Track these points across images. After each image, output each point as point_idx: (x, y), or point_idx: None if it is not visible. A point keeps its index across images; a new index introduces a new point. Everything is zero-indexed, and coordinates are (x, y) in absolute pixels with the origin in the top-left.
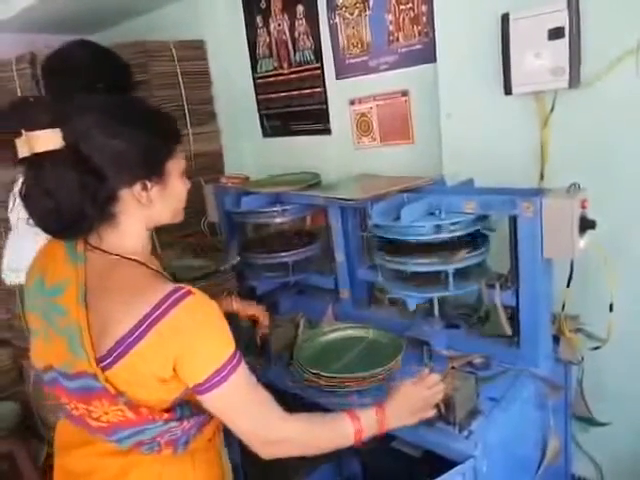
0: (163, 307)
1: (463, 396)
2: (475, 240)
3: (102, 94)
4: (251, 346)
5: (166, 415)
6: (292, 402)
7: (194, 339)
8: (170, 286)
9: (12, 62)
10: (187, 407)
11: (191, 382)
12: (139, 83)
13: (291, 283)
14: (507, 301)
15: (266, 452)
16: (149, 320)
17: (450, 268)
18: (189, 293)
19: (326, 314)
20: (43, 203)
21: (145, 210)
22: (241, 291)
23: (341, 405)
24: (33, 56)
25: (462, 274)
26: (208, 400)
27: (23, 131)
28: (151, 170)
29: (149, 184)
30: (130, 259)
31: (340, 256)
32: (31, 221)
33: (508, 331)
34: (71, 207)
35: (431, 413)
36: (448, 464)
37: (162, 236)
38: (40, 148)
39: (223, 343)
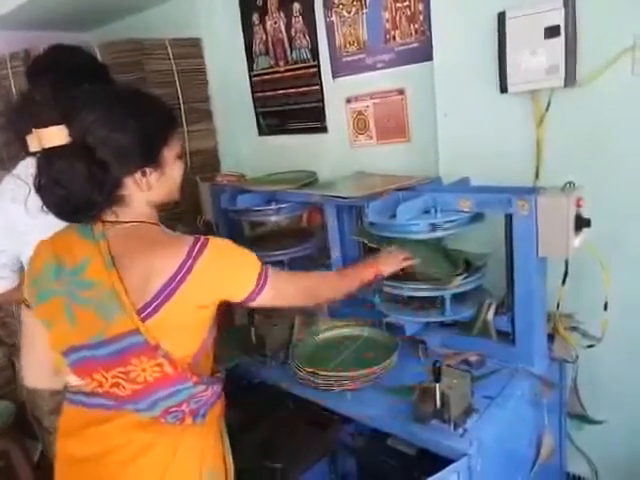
0: (194, 253)
1: (458, 394)
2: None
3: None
4: (247, 345)
5: (195, 377)
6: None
7: (228, 271)
8: (192, 237)
9: (6, 59)
10: (207, 378)
11: (239, 299)
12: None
13: None
14: (502, 326)
15: (309, 305)
16: (186, 266)
17: (447, 294)
18: (208, 239)
19: (322, 312)
20: (56, 192)
21: (145, 192)
22: None
23: (336, 403)
24: (27, 53)
25: (459, 296)
26: (257, 305)
27: (32, 129)
28: (150, 158)
29: (148, 171)
30: (147, 222)
31: (336, 254)
32: (45, 208)
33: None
34: (81, 195)
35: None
36: (443, 462)
37: None
38: (48, 143)
39: (251, 266)
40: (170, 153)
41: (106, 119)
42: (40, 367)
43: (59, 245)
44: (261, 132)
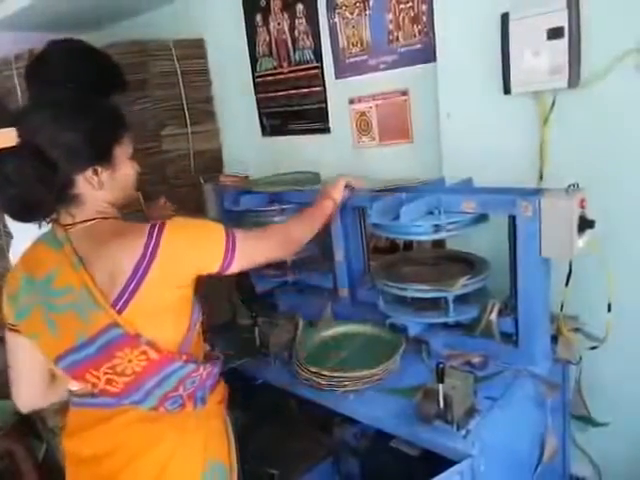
0: (155, 234)
1: (461, 395)
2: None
3: (76, 93)
4: (250, 345)
5: (184, 356)
6: (291, 401)
7: (193, 244)
8: (148, 223)
9: (11, 60)
10: (199, 358)
11: (213, 270)
12: (128, 83)
13: (290, 282)
14: (506, 328)
15: (287, 254)
16: (150, 248)
17: (450, 295)
18: (164, 222)
19: (325, 313)
20: (7, 192)
21: (98, 191)
22: (240, 290)
23: (339, 404)
24: (32, 54)
25: (462, 298)
26: (234, 269)
27: None
28: (100, 156)
29: (99, 169)
30: (106, 217)
31: (339, 255)
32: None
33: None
34: (31, 194)
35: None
36: (446, 463)
37: None
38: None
39: (215, 233)
40: (122, 152)
41: (54, 119)
42: (30, 387)
43: (28, 259)
44: (264, 133)
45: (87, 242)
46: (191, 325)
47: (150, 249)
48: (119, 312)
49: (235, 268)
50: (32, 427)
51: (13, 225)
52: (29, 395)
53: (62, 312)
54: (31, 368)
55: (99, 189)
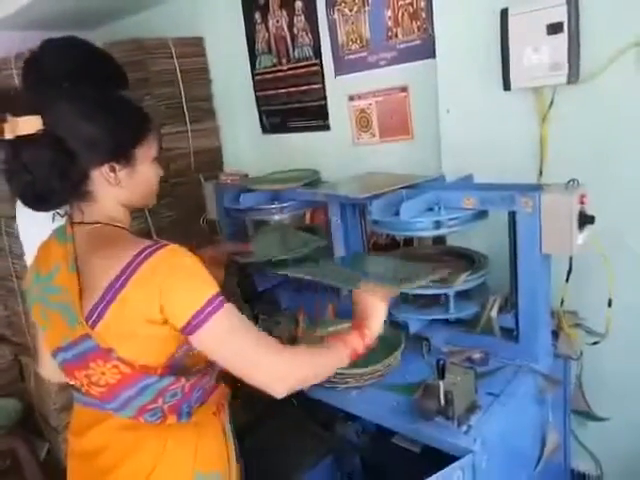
0: (141, 257)
1: (462, 391)
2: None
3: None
4: None
5: (160, 370)
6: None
7: (172, 282)
8: (149, 241)
9: (11, 60)
10: (184, 368)
11: (178, 323)
12: (130, 83)
13: (290, 280)
14: (506, 324)
15: (274, 390)
16: (130, 269)
17: (451, 291)
18: (165, 245)
19: (326, 311)
20: (22, 178)
21: (115, 189)
22: (242, 287)
23: (341, 401)
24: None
25: (463, 294)
26: (197, 340)
27: (8, 116)
28: (119, 154)
29: (117, 167)
30: (111, 225)
31: (340, 252)
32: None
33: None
34: (45, 181)
35: (384, 307)
36: (447, 459)
37: (162, 236)
38: (22, 131)
39: (202, 286)
40: (143, 153)
41: (79, 112)
42: (50, 362)
43: (40, 253)
44: (264, 130)
45: (85, 245)
46: (183, 346)
47: (129, 271)
48: (92, 326)
49: (199, 341)
50: (35, 426)
51: (23, 230)
52: (48, 371)
53: (53, 310)
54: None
55: (115, 185)
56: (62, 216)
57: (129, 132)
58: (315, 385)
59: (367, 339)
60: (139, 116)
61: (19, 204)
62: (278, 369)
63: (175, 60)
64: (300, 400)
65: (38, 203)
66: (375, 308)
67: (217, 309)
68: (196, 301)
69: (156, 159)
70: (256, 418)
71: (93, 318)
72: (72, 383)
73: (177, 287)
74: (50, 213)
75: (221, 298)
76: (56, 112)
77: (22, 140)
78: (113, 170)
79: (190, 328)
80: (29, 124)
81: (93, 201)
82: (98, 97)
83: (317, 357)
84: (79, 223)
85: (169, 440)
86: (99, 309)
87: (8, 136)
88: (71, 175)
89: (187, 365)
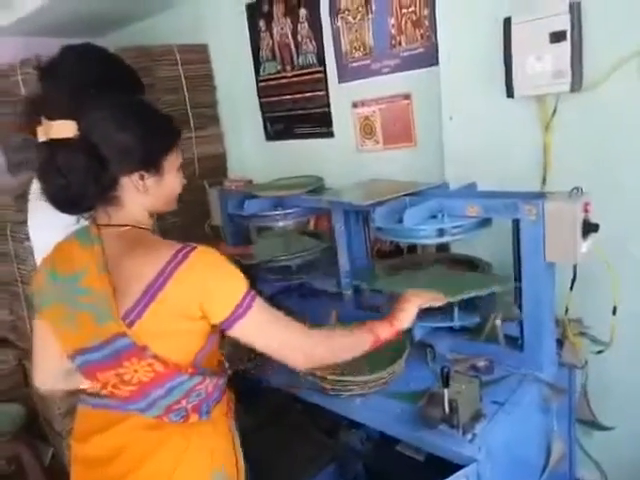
0: (178, 257)
1: (467, 399)
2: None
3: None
4: (255, 350)
5: (190, 369)
6: (296, 405)
7: (210, 280)
8: (180, 243)
9: (17, 66)
10: (207, 369)
11: (217, 319)
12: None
13: (294, 286)
14: (511, 332)
15: (300, 364)
16: (168, 269)
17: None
18: (196, 246)
19: (330, 317)
20: (56, 181)
21: (142, 196)
22: None
23: (345, 408)
24: (38, 60)
25: (467, 302)
26: (238, 331)
27: (43, 119)
28: (149, 163)
29: (146, 175)
30: (139, 227)
31: (343, 259)
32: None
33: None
34: (77, 186)
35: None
36: (452, 468)
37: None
38: (57, 135)
39: (237, 283)
40: (171, 163)
41: (114, 120)
42: (50, 368)
43: (58, 253)
44: (268, 137)
45: (116, 247)
46: (206, 346)
47: (167, 272)
48: (129, 325)
49: (240, 330)
50: (39, 430)
51: (34, 235)
52: (45, 373)
53: (82, 311)
54: (55, 352)
55: (144, 192)
56: (85, 218)
57: (160, 142)
58: (319, 392)
59: (394, 328)
60: (169, 126)
61: (30, 208)
62: (305, 347)
63: (180, 67)
64: (304, 406)
65: (69, 206)
66: (408, 302)
67: (252, 303)
68: (234, 297)
69: (180, 168)
70: (259, 424)
71: (130, 317)
72: (84, 387)
73: (216, 285)
74: (65, 217)
75: (253, 292)
76: (91, 118)
77: (57, 143)
78: (142, 178)
79: (229, 322)
80: (64, 128)
81: (120, 206)
82: (128, 104)
83: (338, 338)
84: (106, 225)
85: (193, 437)
86: (138, 309)
87: (41, 138)
88: (102, 181)
89: (204, 366)
